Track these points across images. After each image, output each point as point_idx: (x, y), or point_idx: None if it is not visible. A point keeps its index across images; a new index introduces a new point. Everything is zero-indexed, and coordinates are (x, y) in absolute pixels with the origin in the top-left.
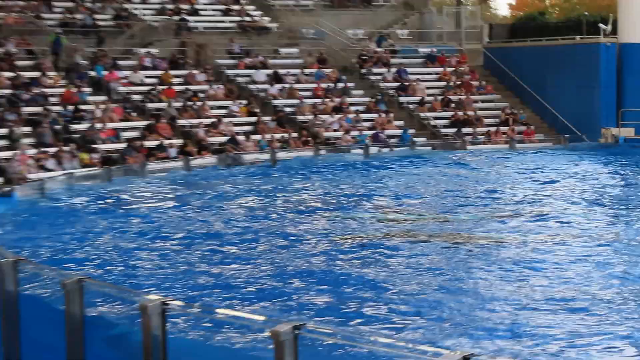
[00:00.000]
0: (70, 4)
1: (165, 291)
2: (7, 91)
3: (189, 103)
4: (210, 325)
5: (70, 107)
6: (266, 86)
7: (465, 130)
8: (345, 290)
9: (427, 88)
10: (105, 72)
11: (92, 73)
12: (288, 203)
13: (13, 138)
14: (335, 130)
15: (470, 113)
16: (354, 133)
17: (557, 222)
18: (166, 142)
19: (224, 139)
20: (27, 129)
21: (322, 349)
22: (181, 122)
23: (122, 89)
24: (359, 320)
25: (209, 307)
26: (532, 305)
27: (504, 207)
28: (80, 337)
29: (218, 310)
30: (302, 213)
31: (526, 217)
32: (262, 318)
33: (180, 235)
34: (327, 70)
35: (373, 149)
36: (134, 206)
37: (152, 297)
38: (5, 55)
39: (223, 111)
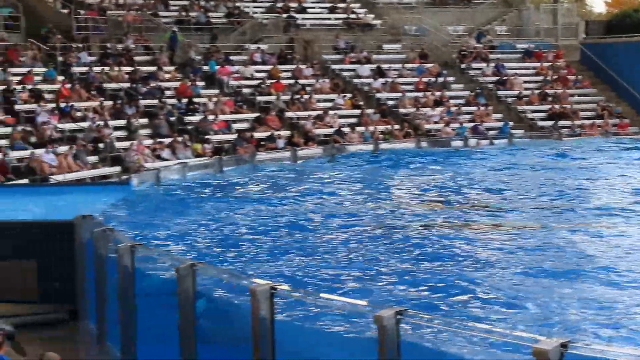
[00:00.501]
0: (185, 2)
1: (271, 275)
2: (126, 85)
3: (297, 96)
4: (314, 309)
5: (185, 100)
6: (370, 80)
7: (561, 123)
8: (443, 278)
9: (525, 82)
10: (217, 67)
11: (205, 68)
12: (389, 192)
13: (131, 129)
14: (435, 123)
15: (567, 106)
16: (454, 125)
17: None
18: (275, 133)
19: (329, 130)
20: (144, 121)
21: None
22: (289, 114)
23: (233, 82)
24: (458, 307)
25: (313, 292)
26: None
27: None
28: (191, 318)
29: (322, 295)
30: (401, 202)
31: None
32: (364, 303)
33: (286, 222)
34: (428, 65)
35: (472, 141)
36: (243, 194)
37: (261, 281)
38: (124, 51)
39: (329, 104)
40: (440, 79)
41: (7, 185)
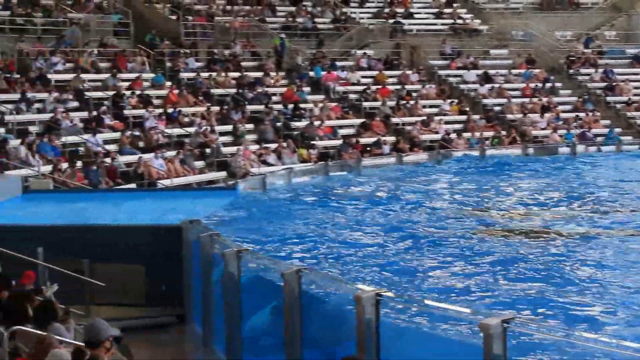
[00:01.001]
0: (292, 8)
1: (370, 280)
2: (233, 90)
3: (403, 102)
4: (418, 315)
5: (291, 106)
6: (476, 86)
7: None
8: (546, 286)
9: (635, 88)
10: (323, 73)
11: (311, 73)
12: (496, 199)
13: (237, 134)
14: (542, 129)
15: None
16: (562, 132)
17: None
18: (380, 139)
19: (435, 136)
20: (250, 126)
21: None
22: (395, 120)
23: (339, 88)
24: (562, 316)
25: (418, 298)
26: None
27: None
28: (297, 322)
29: (427, 302)
30: (509, 208)
31: None
32: (468, 310)
33: (391, 227)
34: (536, 71)
35: (580, 148)
36: (348, 200)
37: (366, 288)
38: (231, 57)
39: (435, 110)
40: (548, 85)
41: (115, 189)
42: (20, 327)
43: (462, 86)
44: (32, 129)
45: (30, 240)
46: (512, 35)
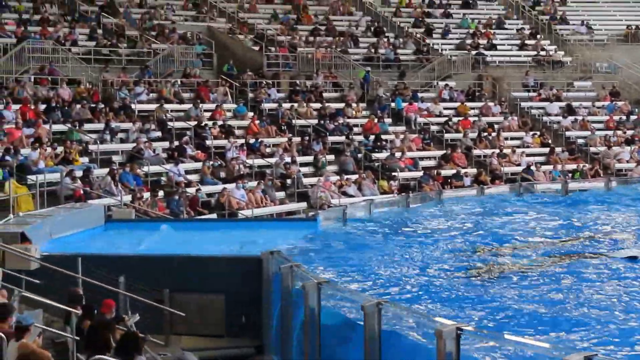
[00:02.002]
0: (374, 40)
1: (452, 314)
2: (314, 121)
3: (484, 134)
4: (498, 349)
5: (372, 137)
6: (559, 118)
7: None
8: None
9: None
10: (405, 104)
11: (393, 105)
12: (579, 233)
13: (318, 165)
14: (627, 162)
15: None
16: None
17: None
18: (461, 171)
19: (517, 168)
20: (331, 157)
21: None
22: (476, 152)
23: (420, 119)
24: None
25: (498, 333)
26: None
27: None
28: (377, 355)
29: (507, 337)
30: (593, 244)
31: None
32: (548, 346)
33: (472, 260)
34: (620, 103)
35: None
36: (428, 232)
37: (446, 321)
38: (313, 88)
39: (517, 142)
40: (632, 117)
41: (196, 219)
42: (102, 356)
43: (545, 118)
44: (115, 158)
45: (112, 270)
46: (596, 68)
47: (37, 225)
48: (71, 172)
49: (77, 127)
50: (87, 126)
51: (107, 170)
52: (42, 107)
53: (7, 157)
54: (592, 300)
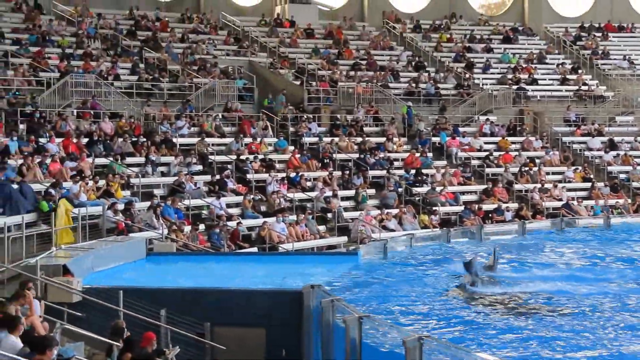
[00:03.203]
0: (414, 74)
1: (495, 349)
2: (355, 155)
3: (525, 168)
4: None
5: (412, 171)
6: (601, 153)
7: None
8: None
9: None
10: (447, 138)
11: (435, 139)
12: (628, 271)
13: (359, 199)
14: None
15: None
16: None
17: None
18: (503, 205)
19: (558, 203)
20: (372, 191)
21: None
22: (517, 186)
23: (461, 154)
24: None
25: None
26: None
27: None
28: None
29: None
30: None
31: None
32: None
33: (516, 297)
34: None
35: None
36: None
37: (489, 357)
38: (353, 122)
39: (558, 177)
40: None
41: (237, 253)
42: None
43: (587, 153)
44: (157, 191)
45: (153, 303)
46: (638, 102)
47: (79, 258)
48: (113, 205)
49: (119, 161)
50: (129, 160)
51: (148, 203)
52: (85, 140)
53: (51, 190)
54: None
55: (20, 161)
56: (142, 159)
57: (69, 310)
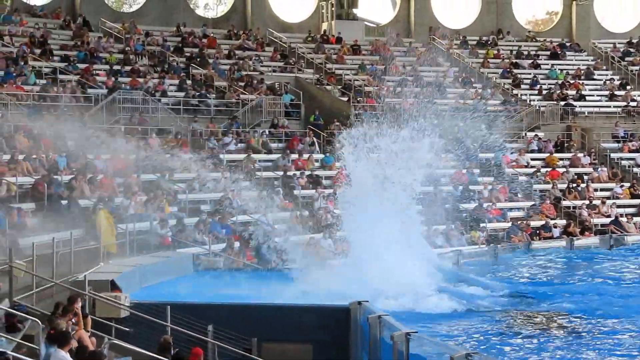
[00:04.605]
0: (461, 90)
1: None
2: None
3: (574, 185)
4: None
5: (460, 187)
6: None
7: None
8: None
9: None
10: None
11: (481, 155)
12: None
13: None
14: None
15: None
16: None
17: None
18: (550, 222)
19: (606, 220)
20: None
21: None
22: (565, 203)
23: (509, 170)
24: None
25: None
26: None
27: None
28: None
29: None
30: None
31: None
32: None
33: (564, 315)
34: None
35: None
36: (515, 284)
37: None
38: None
39: (606, 193)
40: None
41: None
42: None
43: (635, 169)
44: (204, 207)
45: (200, 318)
46: None
47: (127, 273)
48: (162, 220)
49: (167, 177)
50: (177, 176)
51: (196, 219)
52: (133, 157)
53: (100, 205)
54: None
55: (69, 177)
56: (190, 175)
57: (116, 326)
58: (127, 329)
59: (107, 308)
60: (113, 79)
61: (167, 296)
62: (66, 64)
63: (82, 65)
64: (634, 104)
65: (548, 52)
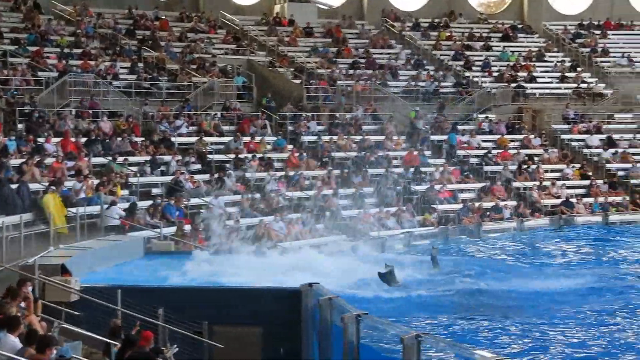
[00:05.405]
0: (413, 72)
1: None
2: (354, 154)
3: (524, 166)
4: None
5: (411, 169)
6: (600, 150)
7: None
8: None
9: None
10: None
11: (432, 137)
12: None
13: (357, 198)
14: None
15: None
16: None
17: None
18: (501, 203)
19: (556, 201)
20: (370, 190)
21: None
22: (516, 184)
23: (460, 152)
24: None
25: None
26: None
27: None
28: None
29: None
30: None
31: None
32: None
33: (514, 294)
34: None
35: None
36: (470, 265)
37: (486, 353)
38: (352, 120)
39: (557, 174)
40: None
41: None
42: None
43: (585, 151)
44: (155, 191)
45: (151, 301)
46: (637, 100)
47: (77, 257)
48: (113, 203)
49: (117, 160)
50: (130, 159)
51: (148, 202)
52: (83, 140)
53: (53, 188)
54: None
55: (19, 161)
56: (140, 158)
57: (67, 310)
58: (77, 313)
59: (57, 292)
60: (64, 61)
61: (117, 280)
62: (16, 46)
63: (32, 48)
64: (585, 85)
65: (500, 34)
